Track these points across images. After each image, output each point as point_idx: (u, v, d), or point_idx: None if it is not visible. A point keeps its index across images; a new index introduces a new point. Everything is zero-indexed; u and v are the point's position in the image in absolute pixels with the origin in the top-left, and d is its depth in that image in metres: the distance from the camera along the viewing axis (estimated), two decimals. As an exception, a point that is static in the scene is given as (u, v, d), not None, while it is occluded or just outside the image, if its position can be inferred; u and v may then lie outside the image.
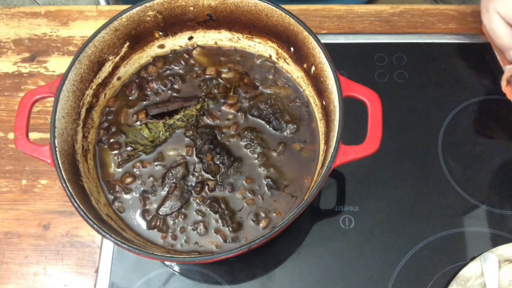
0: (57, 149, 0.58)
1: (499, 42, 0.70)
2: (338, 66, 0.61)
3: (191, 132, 0.67)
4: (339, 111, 0.58)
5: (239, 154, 0.66)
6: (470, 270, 0.63)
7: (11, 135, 0.77)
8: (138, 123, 0.68)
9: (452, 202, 0.69)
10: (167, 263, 0.68)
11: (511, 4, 0.68)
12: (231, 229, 0.62)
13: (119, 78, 0.70)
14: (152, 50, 0.71)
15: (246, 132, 0.67)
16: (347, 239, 0.68)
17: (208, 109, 0.69)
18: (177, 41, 0.72)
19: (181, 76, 0.71)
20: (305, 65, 0.66)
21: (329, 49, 0.61)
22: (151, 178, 0.65)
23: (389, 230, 0.68)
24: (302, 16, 0.81)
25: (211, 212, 0.63)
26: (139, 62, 0.72)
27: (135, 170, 0.66)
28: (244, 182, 0.65)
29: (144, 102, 0.70)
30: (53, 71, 0.81)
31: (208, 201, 0.63)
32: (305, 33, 0.63)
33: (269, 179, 0.64)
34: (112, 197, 0.65)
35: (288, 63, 0.70)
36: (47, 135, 0.63)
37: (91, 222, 0.55)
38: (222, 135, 0.67)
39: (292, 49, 0.67)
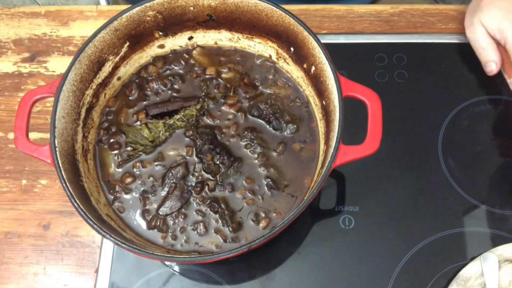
0: (57, 149, 0.58)
1: (483, 53, 0.73)
2: (338, 66, 0.61)
3: (191, 132, 0.67)
4: (339, 111, 0.58)
5: (239, 154, 0.66)
6: (470, 270, 0.63)
7: (11, 135, 0.77)
8: (138, 123, 0.68)
9: (452, 202, 0.69)
10: (167, 263, 0.68)
11: (495, 16, 0.69)
12: (231, 229, 0.62)
13: (119, 78, 0.70)
14: (152, 50, 0.71)
15: (246, 132, 0.67)
16: (347, 239, 0.68)
17: (208, 109, 0.69)
18: (177, 41, 0.72)
19: (181, 76, 0.71)
20: (305, 65, 0.66)
21: (329, 49, 0.61)
22: (151, 178, 0.65)
23: (389, 230, 0.68)
24: (302, 16, 0.81)
25: (211, 212, 0.63)
26: (139, 62, 0.72)
27: (135, 170, 0.66)
28: (244, 182, 0.65)
29: (144, 102, 0.70)
30: (53, 71, 0.81)
31: (208, 201, 0.63)
32: (305, 33, 0.63)
33: (269, 179, 0.64)
34: (112, 197, 0.65)
35: (288, 63, 0.70)
36: (47, 135, 0.63)
37: (91, 222, 0.55)
38: (222, 135, 0.67)
39: (292, 49, 0.67)
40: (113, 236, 0.54)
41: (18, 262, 0.70)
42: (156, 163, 0.66)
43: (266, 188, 0.64)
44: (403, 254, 0.66)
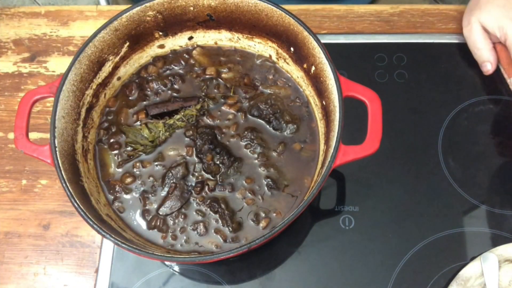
0: (57, 149, 0.58)
1: (478, 54, 0.73)
2: (338, 66, 0.61)
3: (191, 132, 0.67)
4: (339, 111, 0.58)
5: (239, 154, 0.66)
6: (470, 270, 0.63)
7: (11, 135, 0.77)
8: (138, 123, 0.68)
9: (452, 202, 0.69)
10: (167, 263, 0.68)
11: (494, 14, 0.70)
12: (231, 229, 0.62)
13: (119, 78, 0.70)
14: (152, 50, 0.71)
15: (246, 132, 0.67)
16: (347, 239, 0.68)
17: (208, 109, 0.69)
18: (177, 41, 0.72)
19: (181, 76, 0.71)
20: (305, 65, 0.66)
21: (329, 49, 0.61)
22: (151, 178, 0.65)
23: (389, 230, 0.68)
24: (302, 16, 0.81)
25: (211, 212, 0.63)
26: (139, 62, 0.72)
27: (135, 170, 0.66)
28: (244, 182, 0.65)
29: (144, 102, 0.70)
30: (53, 71, 0.81)
31: (208, 201, 0.63)
32: (305, 33, 0.63)
33: (269, 179, 0.64)
34: (112, 197, 0.65)
35: (288, 63, 0.70)
36: (47, 135, 0.63)
37: (91, 222, 0.55)
38: (222, 135, 0.67)
39: (292, 49, 0.67)
40: (113, 236, 0.54)
41: (18, 262, 0.70)
42: (156, 163, 0.66)
43: (266, 188, 0.64)
44: (403, 254, 0.66)
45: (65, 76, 0.61)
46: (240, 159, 0.66)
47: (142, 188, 0.65)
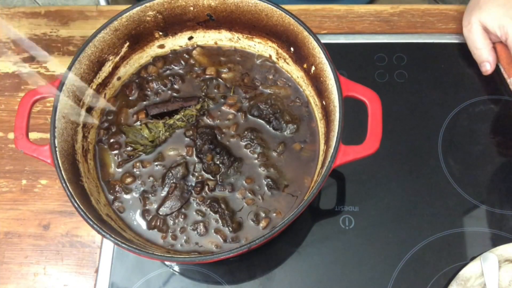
0: (57, 149, 0.58)
1: (477, 53, 0.73)
2: (338, 66, 0.61)
3: (191, 132, 0.67)
4: (339, 111, 0.58)
5: (239, 154, 0.66)
6: (470, 270, 0.63)
7: (11, 135, 0.77)
8: (138, 123, 0.68)
9: (452, 202, 0.69)
10: (167, 263, 0.68)
11: (494, 13, 0.70)
12: (231, 229, 0.62)
13: (119, 78, 0.70)
14: (152, 50, 0.71)
15: (246, 132, 0.67)
16: (347, 239, 0.68)
17: (208, 109, 0.69)
18: (177, 41, 0.72)
19: (181, 76, 0.71)
20: (305, 65, 0.66)
21: (329, 49, 0.61)
22: (151, 178, 0.65)
23: (389, 230, 0.68)
24: (302, 16, 0.81)
25: (211, 212, 0.63)
26: (139, 62, 0.72)
27: (135, 170, 0.66)
28: (244, 182, 0.65)
29: (144, 102, 0.70)
30: (53, 71, 0.81)
31: (208, 201, 0.63)
32: (305, 33, 0.63)
33: (269, 179, 0.64)
34: (112, 197, 0.65)
35: (288, 63, 0.70)
36: (47, 135, 0.63)
37: (91, 222, 0.55)
38: (222, 135, 0.67)
39: (292, 49, 0.67)
40: (113, 236, 0.54)
41: (18, 262, 0.70)
42: (156, 163, 0.66)
43: (266, 188, 0.64)
44: (403, 254, 0.66)
45: (65, 76, 0.61)
46: (240, 159, 0.66)
47: (142, 188, 0.65)
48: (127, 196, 0.65)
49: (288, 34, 0.65)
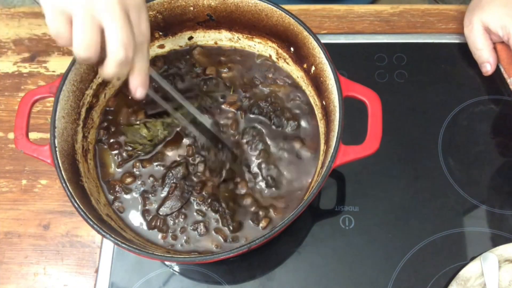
0: (57, 149, 0.58)
1: (478, 54, 0.73)
2: (338, 66, 0.61)
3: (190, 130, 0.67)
4: (339, 111, 0.58)
5: (240, 151, 0.66)
6: (470, 270, 0.63)
7: (11, 135, 0.77)
8: (138, 122, 0.68)
9: (452, 202, 0.69)
10: (167, 263, 0.68)
11: (496, 13, 0.69)
12: (231, 229, 0.62)
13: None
14: (152, 50, 0.71)
15: (246, 130, 0.67)
16: (347, 239, 0.68)
17: (207, 108, 0.69)
18: (177, 41, 0.72)
19: (181, 76, 0.71)
20: (305, 65, 0.66)
21: (329, 49, 0.61)
22: (151, 178, 0.65)
23: (389, 230, 0.68)
24: (302, 16, 0.81)
25: (211, 212, 0.63)
26: (139, 62, 0.71)
27: (135, 170, 0.66)
28: (244, 180, 0.65)
29: (144, 102, 0.69)
30: (53, 71, 0.81)
31: (209, 200, 0.63)
32: (305, 33, 0.63)
33: (269, 178, 0.64)
34: (112, 197, 0.65)
35: (288, 63, 0.70)
36: (47, 135, 0.63)
37: (91, 222, 0.55)
38: (222, 133, 0.67)
39: (292, 49, 0.67)
40: (113, 236, 0.54)
41: (18, 262, 0.70)
42: (156, 163, 0.66)
43: (266, 186, 0.64)
44: (403, 254, 0.66)
45: (65, 76, 0.61)
46: (241, 157, 0.66)
47: (142, 188, 0.65)
48: (127, 196, 0.65)
49: (288, 34, 0.65)
